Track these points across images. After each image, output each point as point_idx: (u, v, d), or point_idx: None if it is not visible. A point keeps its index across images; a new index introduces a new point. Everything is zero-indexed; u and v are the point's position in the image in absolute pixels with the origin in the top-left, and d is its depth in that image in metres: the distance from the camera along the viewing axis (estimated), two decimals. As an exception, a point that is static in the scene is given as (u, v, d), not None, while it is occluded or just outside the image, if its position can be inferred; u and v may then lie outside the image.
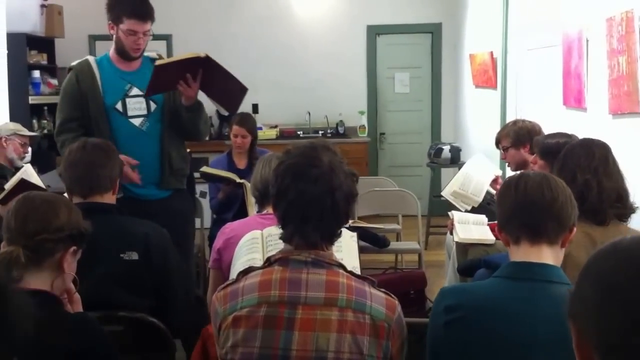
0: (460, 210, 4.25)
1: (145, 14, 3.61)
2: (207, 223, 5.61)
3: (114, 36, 3.64)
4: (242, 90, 3.62)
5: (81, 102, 3.61)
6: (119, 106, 3.63)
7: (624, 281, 0.98)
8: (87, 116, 3.61)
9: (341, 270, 1.86)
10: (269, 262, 1.89)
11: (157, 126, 3.70)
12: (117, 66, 3.69)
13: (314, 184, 1.82)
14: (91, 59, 3.71)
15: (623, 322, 0.96)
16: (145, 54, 3.76)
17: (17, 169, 4.70)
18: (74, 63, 3.72)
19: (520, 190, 1.92)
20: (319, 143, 1.94)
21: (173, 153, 3.72)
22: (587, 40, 4.28)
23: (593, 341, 1.00)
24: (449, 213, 4.11)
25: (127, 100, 3.65)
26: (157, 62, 3.50)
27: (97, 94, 3.61)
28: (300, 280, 1.81)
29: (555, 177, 1.98)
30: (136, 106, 3.65)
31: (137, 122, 3.66)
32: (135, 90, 3.65)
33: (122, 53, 3.65)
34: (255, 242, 2.50)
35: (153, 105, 3.68)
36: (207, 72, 3.54)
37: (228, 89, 3.65)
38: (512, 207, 1.93)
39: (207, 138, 4.04)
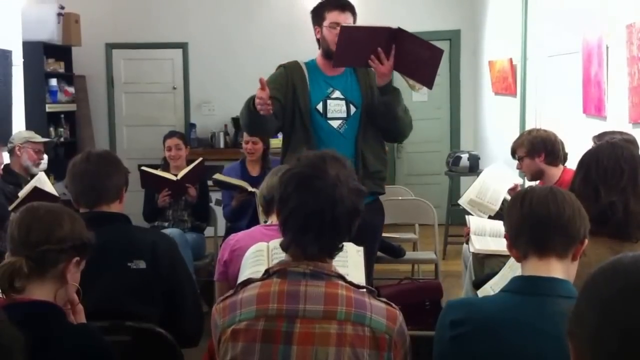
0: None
1: (345, 4, 3.61)
2: (221, 231, 5.59)
3: (320, 40, 3.65)
4: (439, 53, 3.37)
5: (285, 89, 3.61)
6: (319, 107, 3.63)
7: (620, 302, 0.94)
8: (292, 110, 3.61)
9: (340, 281, 1.84)
10: (267, 273, 1.87)
11: (354, 129, 3.65)
12: (323, 71, 3.69)
13: (316, 196, 1.80)
14: (300, 61, 3.74)
15: (618, 345, 0.91)
16: None
17: (33, 176, 4.72)
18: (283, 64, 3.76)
19: (526, 207, 1.88)
20: (330, 154, 1.92)
21: (368, 155, 3.63)
22: (607, 47, 4.21)
23: None
24: (467, 217, 4.06)
25: (328, 101, 3.64)
26: (343, 24, 3.43)
27: (305, 91, 3.62)
28: (299, 293, 1.79)
29: (562, 190, 1.93)
30: (336, 108, 3.64)
31: (335, 124, 3.63)
32: (337, 94, 3.64)
33: (328, 54, 3.61)
34: (261, 254, 2.48)
35: (353, 109, 3.63)
36: (399, 47, 3.39)
37: (422, 58, 3.42)
38: (519, 224, 1.90)
39: (408, 134, 3.80)
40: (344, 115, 3.63)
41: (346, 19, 3.57)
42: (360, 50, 3.39)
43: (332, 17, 3.56)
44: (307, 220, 1.81)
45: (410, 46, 3.37)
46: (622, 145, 2.62)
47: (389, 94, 3.49)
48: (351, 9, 3.62)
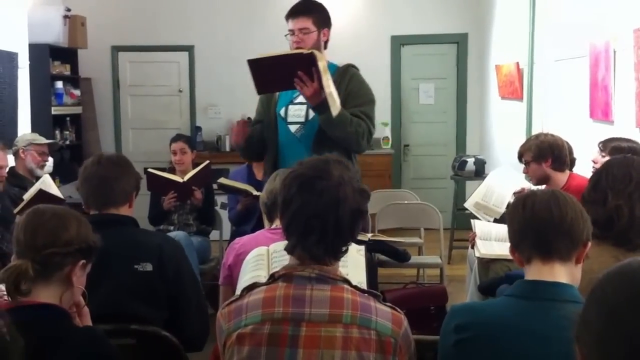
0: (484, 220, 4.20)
1: (296, 10, 3.61)
2: (226, 235, 5.58)
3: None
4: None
5: (265, 104, 3.74)
6: (282, 112, 3.67)
7: (626, 307, 0.94)
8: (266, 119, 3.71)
9: (346, 286, 1.84)
10: (273, 278, 1.87)
11: (311, 134, 3.60)
12: None
13: (319, 196, 1.79)
14: None
15: (624, 350, 0.91)
16: (334, 62, 3.70)
17: (38, 178, 4.72)
18: None
19: (528, 210, 1.88)
20: (333, 157, 1.92)
21: None
22: (615, 52, 4.20)
23: None
24: (472, 222, 4.06)
25: (290, 106, 3.66)
26: (249, 58, 3.41)
27: (274, 100, 3.70)
28: (304, 297, 1.79)
29: (563, 193, 1.93)
30: (296, 113, 3.65)
31: (293, 128, 3.65)
32: (300, 98, 3.60)
33: None
34: (261, 258, 2.48)
35: (312, 113, 3.59)
36: (316, 70, 3.32)
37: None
38: (522, 228, 1.90)
39: (364, 149, 3.66)
40: (302, 120, 3.62)
41: (297, 24, 3.57)
42: (280, 77, 3.38)
43: (289, 24, 3.61)
44: (310, 222, 1.80)
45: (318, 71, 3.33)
46: (634, 157, 2.66)
47: (322, 114, 3.44)
48: (307, 13, 3.57)
